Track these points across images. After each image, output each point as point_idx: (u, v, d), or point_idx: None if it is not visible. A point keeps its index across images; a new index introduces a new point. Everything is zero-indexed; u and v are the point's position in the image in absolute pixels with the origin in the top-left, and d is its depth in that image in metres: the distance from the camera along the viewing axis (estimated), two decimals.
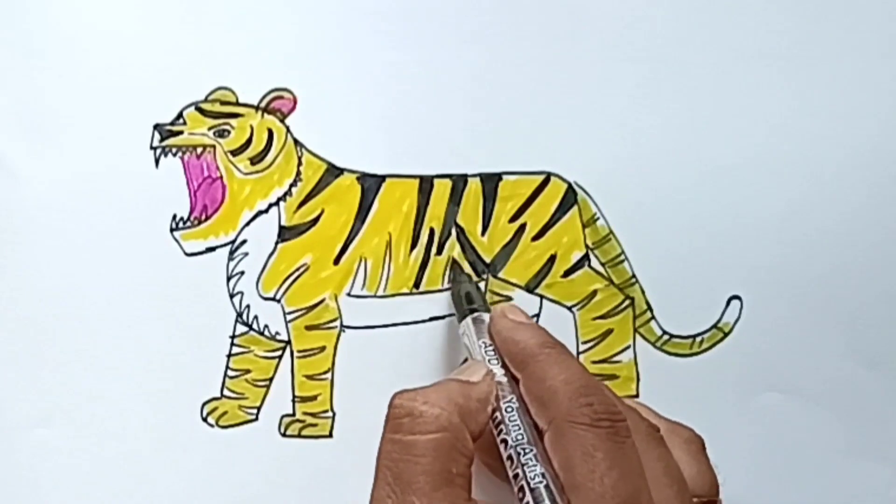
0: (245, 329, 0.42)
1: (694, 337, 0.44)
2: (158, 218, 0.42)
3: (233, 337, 0.42)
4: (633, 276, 0.44)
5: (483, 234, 0.43)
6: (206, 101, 0.42)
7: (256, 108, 0.42)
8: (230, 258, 0.42)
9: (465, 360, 0.41)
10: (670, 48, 0.44)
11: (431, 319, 0.43)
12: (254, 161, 0.42)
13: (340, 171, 0.43)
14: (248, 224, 0.42)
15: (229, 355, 0.42)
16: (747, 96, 0.44)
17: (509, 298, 0.44)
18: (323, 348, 0.43)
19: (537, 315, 0.44)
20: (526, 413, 0.36)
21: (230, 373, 0.42)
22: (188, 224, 0.42)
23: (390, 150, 0.43)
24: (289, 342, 0.43)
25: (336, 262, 0.43)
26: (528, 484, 0.33)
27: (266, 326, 0.43)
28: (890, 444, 0.45)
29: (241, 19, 0.42)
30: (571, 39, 0.43)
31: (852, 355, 0.45)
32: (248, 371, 0.42)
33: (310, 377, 0.43)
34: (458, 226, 0.43)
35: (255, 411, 0.43)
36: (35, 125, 0.41)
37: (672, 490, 0.34)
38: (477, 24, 0.43)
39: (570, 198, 0.44)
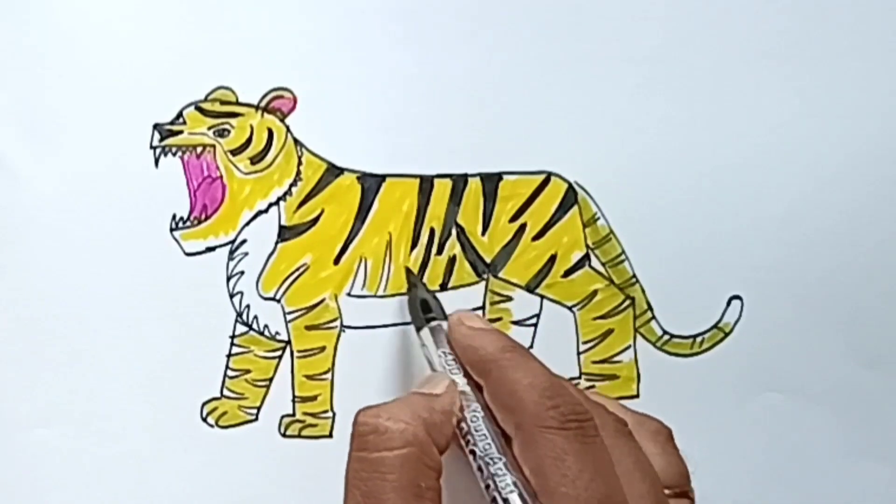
0: (245, 329, 0.42)
1: (694, 337, 0.44)
2: (158, 218, 0.42)
3: (233, 337, 0.42)
4: (634, 275, 0.44)
5: (483, 233, 0.43)
6: (206, 100, 0.42)
7: (256, 107, 0.42)
8: (230, 258, 0.42)
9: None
10: (670, 48, 0.44)
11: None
12: (254, 161, 0.42)
13: (340, 170, 0.43)
14: (247, 224, 0.42)
15: (229, 355, 0.42)
16: (748, 96, 0.44)
17: (510, 298, 0.44)
18: (323, 348, 0.43)
19: (538, 315, 0.44)
20: (492, 420, 0.35)
21: (230, 373, 0.42)
22: (188, 224, 0.42)
23: (390, 150, 0.43)
24: (289, 342, 0.43)
25: (336, 262, 0.43)
26: (500, 493, 0.33)
27: (266, 326, 0.43)
28: (890, 444, 0.45)
29: (241, 19, 0.42)
30: (571, 39, 0.43)
31: (852, 355, 0.45)
32: (248, 371, 0.42)
33: (310, 377, 0.43)
34: (458, 226, 0.43)
35: (255, 411, 0.43)
36: (35, 125, 0.41)
37: (645, 484, 0.34)
38: (477, 24, 0.43)
39: (571, 197, 0.44)
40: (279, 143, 0.42)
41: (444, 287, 0.43)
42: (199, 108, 0.42)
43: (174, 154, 0.42)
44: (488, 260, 0.43)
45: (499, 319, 0.44)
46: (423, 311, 0.40)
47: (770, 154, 0.44)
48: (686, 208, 0.44)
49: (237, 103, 0.42)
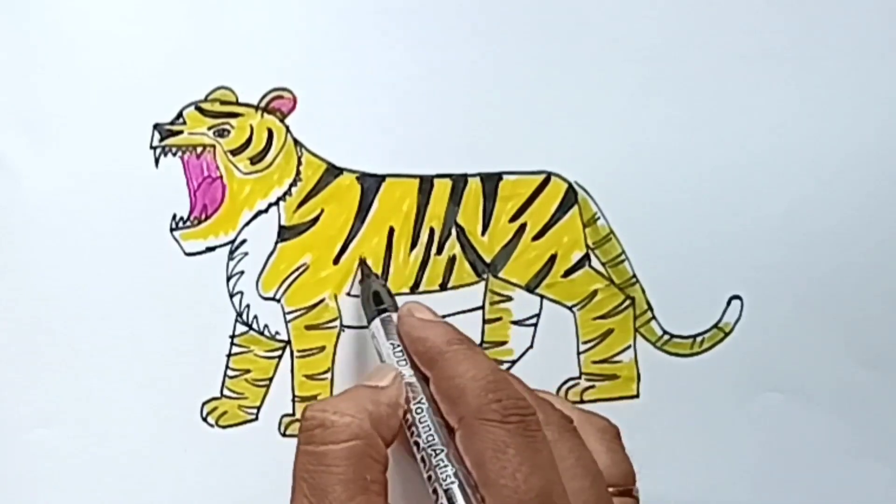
0: (245, 329, 0.42)
1: (694, 337, 0.44)
2: (158, 218, 0.42)
3: (232, 337, 0.42)
4: (634, 275, 0.44)
5: (483, 233, 0.43)
6: (205, 100, 0.42)
7: (256, 107, 0.42)
8: (230, 258, 0.42)
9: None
10: (670, 48, 0.44)
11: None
12: (253, 161, 0.42)
13: (340, 170, 0.43)
14: (247, 224, 0.42)
15: (229, 355, 0.42)
16: (747, 96, 0.44)
17: (510, 298, 0.44)
18: (323, 348, 0.43)
19: (537, 315, 0.44)
20: (437, 412, 0.36)
21: (230, 372, 0.42)
22: (188, 224, 0.42)
23: (390, 150, 0.43)
24: (289, 342, 0.43)
25: (336, 261, 0.43)
26: (441, 485, 0.33)
27: (266, 326, 0.43)
28: (890, 444, 0.45)
29: (241, 19, 0.42)
30: (571, 39, 0.43)
31: (852, 355, 0.45)
32: (247, 371, 0.42)
33: (310, 377, 0.43)
34: (458, 225, 0.43)
35: (255, 411, 0.43)
36: (35, 125, 0.41)
37: (586, 481, 0.34)
38: (477, 24, 0.43)
39: (571, 197, 0.44)
40: (279, 143, 0.42)
41: (443, 287, 0.43)
42: (199, 108, 0.42)
43: (174, 154, 0.42)
44: (488, 260, 0.43)
45: (499, 319, 0.44)
46: (375, 302, 0.40)
47: (770, 154, 0.44)
48: (686, 208, 0.44)
49: (237, 103, 0.42)
